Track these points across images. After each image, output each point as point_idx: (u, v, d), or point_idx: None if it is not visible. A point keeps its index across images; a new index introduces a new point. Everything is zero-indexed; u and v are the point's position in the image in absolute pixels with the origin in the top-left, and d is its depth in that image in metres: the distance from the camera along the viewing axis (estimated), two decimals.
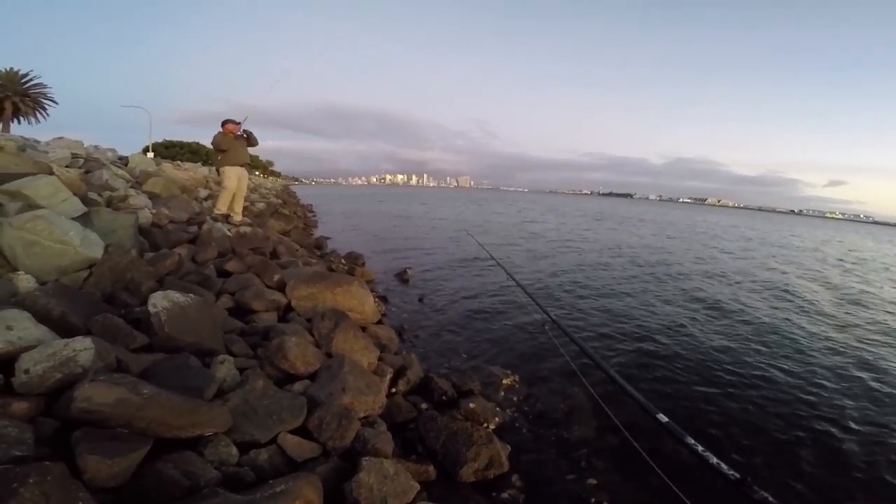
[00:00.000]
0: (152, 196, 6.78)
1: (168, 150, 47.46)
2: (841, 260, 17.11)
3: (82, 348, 1.80)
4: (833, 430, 3.61)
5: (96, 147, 12.42)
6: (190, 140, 55.85)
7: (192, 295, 2.85)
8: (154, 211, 5.65)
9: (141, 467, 1.59)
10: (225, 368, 2.48)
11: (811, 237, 32.32)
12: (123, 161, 10.56)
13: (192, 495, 1.55)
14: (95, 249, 3.32)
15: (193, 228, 5.79)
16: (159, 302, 2.55)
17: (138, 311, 2.79)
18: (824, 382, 4.50)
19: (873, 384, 4.57)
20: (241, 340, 3.07)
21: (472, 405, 3.21)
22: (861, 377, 4.75)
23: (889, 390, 4.45)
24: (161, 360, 2.25)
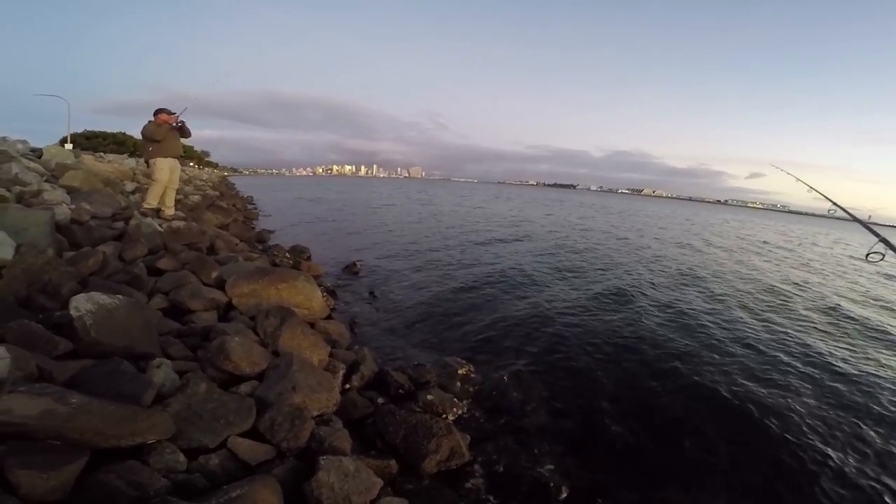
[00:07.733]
0: (71, 190, 6.18)
1: (90, 142, 43.53)
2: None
3: None
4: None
5: (3, 139, 11.16)
6: (115, 130, 51.40)
7: (120, 296, 2.63)
8: (73, 206, 5.14)
9: (82, 479, 1.49)
10: (162, 372, 2.31)
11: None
12: (36, 153, 9.62)
13: None
14: (4, 250, 2.99)
15: (120, 224, 5.33)
16: (82, 305, 2.33)
17: (59, 316, 2.54)
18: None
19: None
20: (179, 342, 2.87)
21: (429, 397, 3.19)
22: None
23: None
24: (89, 366, 2.05)
